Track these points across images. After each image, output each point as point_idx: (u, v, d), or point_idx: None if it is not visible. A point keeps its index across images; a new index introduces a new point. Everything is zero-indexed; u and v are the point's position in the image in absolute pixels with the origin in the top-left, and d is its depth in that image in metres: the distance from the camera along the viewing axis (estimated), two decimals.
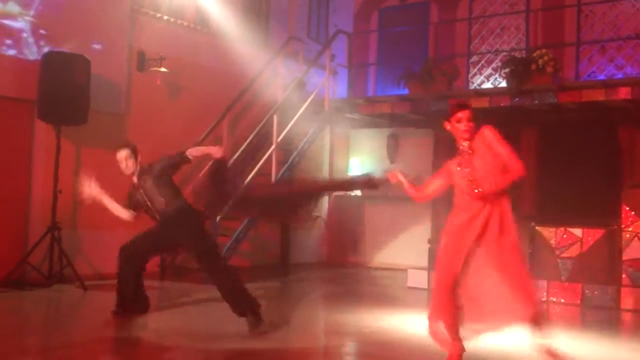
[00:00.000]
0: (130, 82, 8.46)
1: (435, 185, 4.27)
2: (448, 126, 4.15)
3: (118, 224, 7.83)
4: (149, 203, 5.63)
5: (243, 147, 8.89)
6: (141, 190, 5.66)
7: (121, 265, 5.69)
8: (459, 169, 4.10)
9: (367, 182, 4.69)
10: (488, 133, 4.02)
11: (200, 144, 8.74)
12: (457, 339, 4.14)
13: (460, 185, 4.12)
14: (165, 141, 8.59)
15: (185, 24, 9.18)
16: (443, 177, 4.23)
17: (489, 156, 4.00)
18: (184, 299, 6.40)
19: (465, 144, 4.08)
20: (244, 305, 5.23)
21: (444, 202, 9.90)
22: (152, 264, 8.00)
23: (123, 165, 5.67)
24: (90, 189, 5.63)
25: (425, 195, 4.32)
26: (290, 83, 9.53)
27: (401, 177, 4.32)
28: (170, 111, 8.87)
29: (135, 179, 5.70)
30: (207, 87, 9.15)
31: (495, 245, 3.99)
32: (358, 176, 4.78)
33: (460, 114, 4.07)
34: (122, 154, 5.68)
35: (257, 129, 9.01)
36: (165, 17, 8.90)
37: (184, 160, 5.62)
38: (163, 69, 8.53)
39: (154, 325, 5.64)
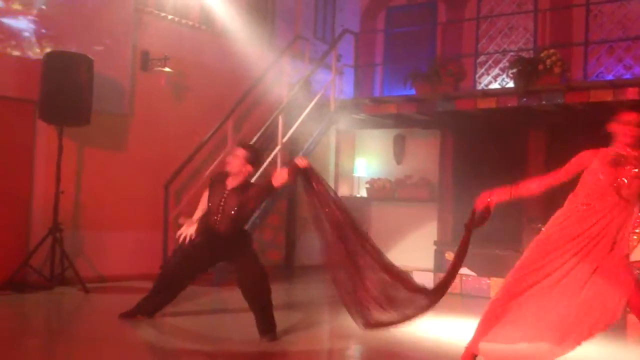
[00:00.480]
0: (134, 83, 8.45)
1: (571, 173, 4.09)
2: (614, 127, 4.05)
3: (122, 225, 7.84)
4: (220, 209, 5.29)
5: None
6: (225, 196, 5.30)
7: (163, 276, 5.61)
8: (615, 163, 3.96)
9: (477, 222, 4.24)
10: None
11: (204, 145, 8.84)
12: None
13: (606, 181, 3.97)
14: (169, 142, 8.68)
15: (190, 23, 9.18)
16: (583, 164, 4.07)
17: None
18: (188, 302, 6.39)
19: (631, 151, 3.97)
20: (267, 324, 5.14)
21: (450, 202, 9.94)
22: (155, 266, 8.07)
23: (235, 162, 5.31)
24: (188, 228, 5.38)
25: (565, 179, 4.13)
26: (296, 83, 9.51)
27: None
28: (175, 112, 8.86)
29: (233, 183, 5.34)
30: (211, 87, 9.13)
31: (603, 261, 3.89)
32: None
33: (632, 117, 4.02)
34: (242, 152, 5.36)
35: (263, 129, 8.95)
36: (170, 17, 8.89)
37: (273, 189, 5.22)
38: (167, 69, 8.51)
39: (158, 328, 5.62)
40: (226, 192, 5.32)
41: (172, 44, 8.74)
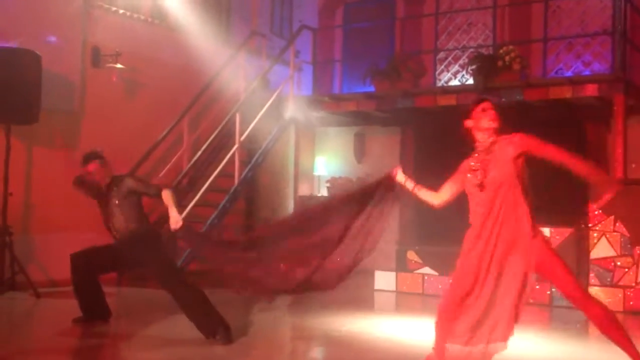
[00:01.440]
0: (84, 79, 8.30)
1: (451, 189, 3.99)
2: (470, 122, 3.90)
3: (73, 227, 7.69)
4: (109, 217, 5.47)
5: (204, 146, 8.80)
6: (104, 202, 5.49)
7: (72, 275, 5.58)
8: (472, 166, 3.85)
9: (387, 182, 4.18)
10: (525, 140, 3.75)
11: (159, 144, 8.76)
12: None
13: (470, 190, 3.86)
14: (122, 141, 8.50)
15: (142, 17, 9.06)
16: (456, 181, 3.97)
17: (509, 167, 3.76)
18: (142, 305, 6.32)
19: (487, 140, 3.81)
20: (210, 325, 5.07)
21: (412, 202, 10.01)
22: None
23: (98, 177, 5.48)
24: None
25: (444, 201, 4.02)
26: (254, 80, 9.47)
27: (401, 176, 4.08)
28: (128, 109, 8.71)
29: (103, 188, 5.53)
30: (166, 84, 9.01)
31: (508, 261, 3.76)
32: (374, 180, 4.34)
33: (485, 104, 3.86)
34: (94, 167, 5.47)
35: (220, 127, 8.89)
36: (121, 11, 8.76)
37: (157, 197, 5.35)
38: (119, 65, 8.39)
39: (112, 333, 5.54)
40: (104, 198, 5.48)
41: (123, 39, 8.60)
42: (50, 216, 7.84)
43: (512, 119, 9.20)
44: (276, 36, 11.08)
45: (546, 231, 7.63)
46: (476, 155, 3.94)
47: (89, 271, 5.57)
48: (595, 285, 7.27)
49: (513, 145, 3.79)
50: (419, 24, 10.33)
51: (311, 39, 10.33)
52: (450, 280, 4.01)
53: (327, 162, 11.29)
